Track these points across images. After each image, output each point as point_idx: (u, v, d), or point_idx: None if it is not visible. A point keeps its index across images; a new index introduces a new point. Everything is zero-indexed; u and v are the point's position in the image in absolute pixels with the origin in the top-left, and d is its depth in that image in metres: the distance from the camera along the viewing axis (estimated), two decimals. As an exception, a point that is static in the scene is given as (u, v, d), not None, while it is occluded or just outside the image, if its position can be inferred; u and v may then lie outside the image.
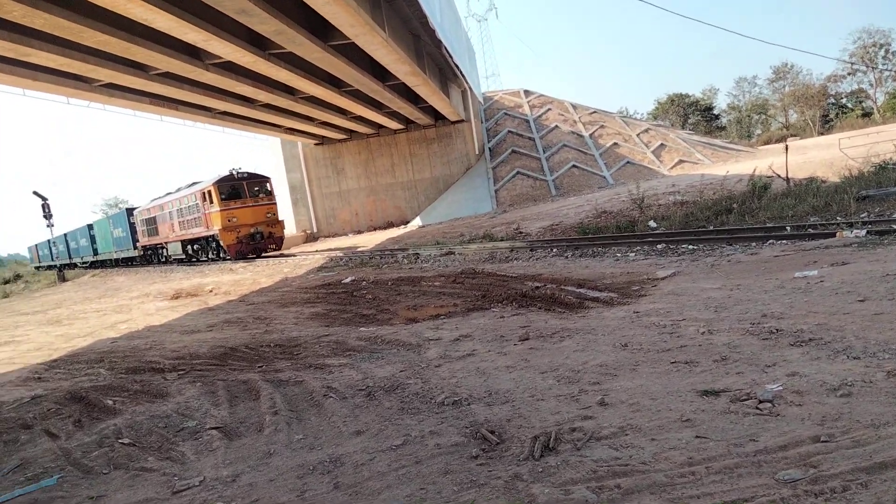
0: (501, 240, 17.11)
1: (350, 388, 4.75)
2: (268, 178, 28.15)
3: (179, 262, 32.74)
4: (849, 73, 60.46)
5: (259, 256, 26.61)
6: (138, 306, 13.01)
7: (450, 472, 3.11)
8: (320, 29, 19.41)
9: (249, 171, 27.58)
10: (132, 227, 37.05)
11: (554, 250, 12.61)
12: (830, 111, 62.05)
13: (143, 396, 5.26)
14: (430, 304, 8.24)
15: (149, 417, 4.65)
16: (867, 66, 58.48)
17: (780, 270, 7.11)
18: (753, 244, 9.50)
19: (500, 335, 5.92)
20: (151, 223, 33.65)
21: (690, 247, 10.26)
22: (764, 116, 70.95)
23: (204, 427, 4.30)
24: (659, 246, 10.86)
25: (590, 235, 14.04)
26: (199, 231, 27.79)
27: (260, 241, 26.40)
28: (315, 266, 17.11)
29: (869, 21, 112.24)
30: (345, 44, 20.44)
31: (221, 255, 27.43)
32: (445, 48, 24.56)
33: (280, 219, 28.15)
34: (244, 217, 26.19)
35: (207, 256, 28.82)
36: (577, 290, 7.68)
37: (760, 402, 3.36)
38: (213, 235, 26.69)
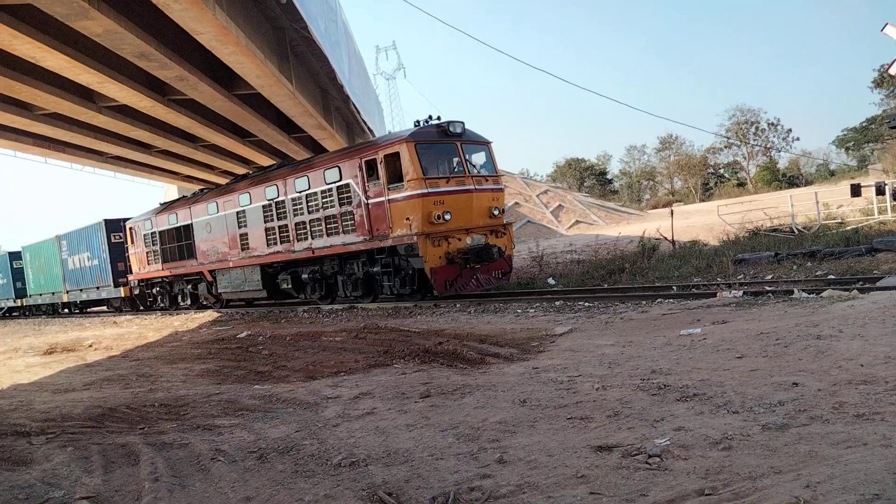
0: (405, 295, 17.08)
1: (241, 450, 4.48)
2: (487, 140, 14.73)
3: (247, 306, 19.30)
4: (725, 147, 66.60)
5: (461, 295, 13.60)
6: (4, 362, 11.82)
7: (344, 539, 2.97)
8: (225, 77, 19.19)
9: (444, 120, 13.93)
10: (114, 250, 23.80)
11: (458, 305, 12.72)
12: (710, 180, 67.72)
13: (2, 464, 4.71)
14: (331, 361, 8.03)
15: (7, 488, 4.16)
16: (740, 141, 64.60)
17: (667, 328, 7.50)
18: (644, 302, 10.01)
19: (401, 392, 5.83)
20: (177, 238, 20.21)
21: (586, 304, 10.67)
22: (652, 182, 76.19)
23: (72, 497, 3.90)
24: (557, 302, 11.22)
25: (492, 291, 14.30)
26: (342, 241, 14.43)
27: (490, 262, 13.53)
28: (208, 320, 16.32)
29: (742, 100, 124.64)
30: (250, 94, 20.30)
31: (399, 289, 13.90)
32: (353, 104, 24.90)
33: (507, 221, 15.16)
34: (462, 212, 13.25)
35: (347, 293, 15.18)
36: (479, 346, 7.74)
37: (650, 456, 3.47)
38: (395, 248, 13.38)
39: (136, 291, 23.30)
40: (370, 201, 13.70)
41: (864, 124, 52.43)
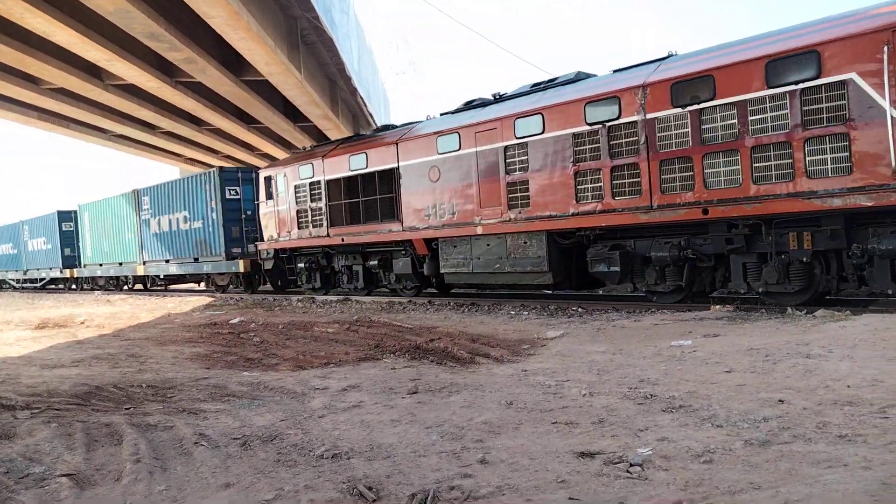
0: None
1: (224, 436, 4.49)
2: None
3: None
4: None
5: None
6: (-4, 335, 11.82)
7: (320, 530, 2.97)
8: (234, 63, 19.20)
9: None
10: (228, 209, 18.17)
11: (451, 304, 12.73)
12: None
13: (-16, 437, 4.71)
14: (321, 351, 8.03)
15: (-12, 461, 4.16)
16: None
17: (658, 338, 7.51)
18: (637, 311, 10.02)
19: (389, 387, 5.83)
20: (362, 191, 14.27)
21: (580, 309, 10.68)
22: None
23: (53, 474, 3.90)
24: (551, 306, 11.23)
25: (487, 291, 14.30)
26: (806, 189, 8.41)
27: None
28: (202, 304, 16.33)
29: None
30: (258, 80, 20.32)
31: None
32: (360, 96, 24.91)
33: None
34: None
35: (764, 283, 9.14)
36: (471, 345, 7.76)
37: (631, 465, 3.47)
38: None
39: (268, 265, 17.05)
40: None
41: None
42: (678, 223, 9.81)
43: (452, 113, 13.39)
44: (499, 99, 12.68)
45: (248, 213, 18.36)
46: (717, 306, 9.46)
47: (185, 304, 16.80)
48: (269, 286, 18.61)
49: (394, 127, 15.01)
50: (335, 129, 26.81)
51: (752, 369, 5.52)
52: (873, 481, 3.01)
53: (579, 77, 11.61)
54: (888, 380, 4.77)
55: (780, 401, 4.48)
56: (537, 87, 12.04)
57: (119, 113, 23.91)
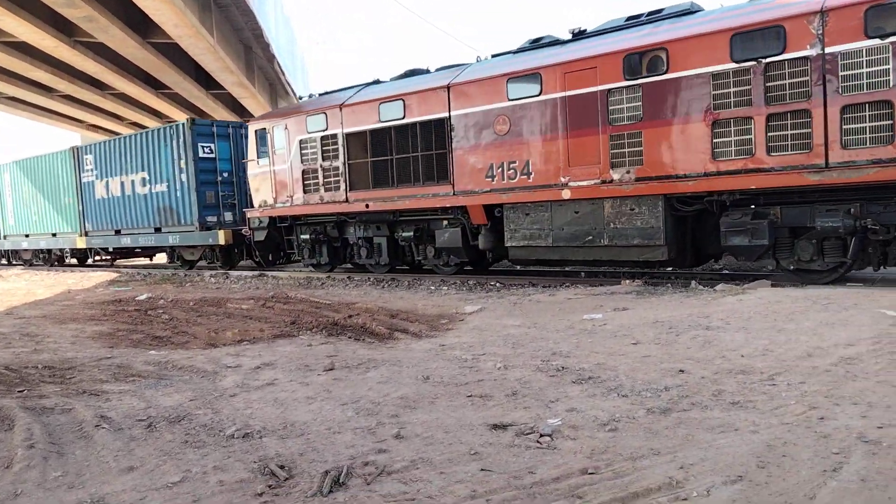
0: (320, 265, 16.81)
1: (128, 418, 4.30)
2: None
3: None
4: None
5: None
6: None
7: (230, 511, 2.91)
8: (140, 23, 18.09)
9: None
10: (202, 170, 15.63)
11: (371, 279, 12.66)
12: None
13: None
14: (235, 328, 7.81)
15: None
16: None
17: (571, 312, 7.76)
18: (552, 286, 10.31)
19: (305, 364, 5.75)
20: (396, 147, 11.84)
21: (498, 284, 10.87)
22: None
23: (-68, 464, 3.61)
24: (470, 281, 11.37)
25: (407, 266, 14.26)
26: None
27: None
28: (106, 279, 15.49)
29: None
30: (167, 43, 19.25)
31: None
32: (278, 63, 24.08)
33: None
34: None
35: None
36: (390, 321, 7.75)
37: (541, 435, 3.59)
38: None
39: (260, 236, 14.37)
40: None
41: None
42: (858, 186, 7.99)
43: (514, 53, 11.19)
44: (580, 35, 10.52)
45: (225, 174, 15.98)
46: (628, 281, 9.86)
47: (88, 279, 15.88)
48: (250, 262, 16.54)
49: (426, 72, 12.48)
50: (251, 98, 25.85)
51: (657, 341, 5.80)
52: (759, 444, 3.24)
53: (694, 8, 9.63)
54: (777, 349, 5.14)
55: (680, 371, 4.74)
56: (636, 21, 9.98)
57: (9, 73, 22.08)
